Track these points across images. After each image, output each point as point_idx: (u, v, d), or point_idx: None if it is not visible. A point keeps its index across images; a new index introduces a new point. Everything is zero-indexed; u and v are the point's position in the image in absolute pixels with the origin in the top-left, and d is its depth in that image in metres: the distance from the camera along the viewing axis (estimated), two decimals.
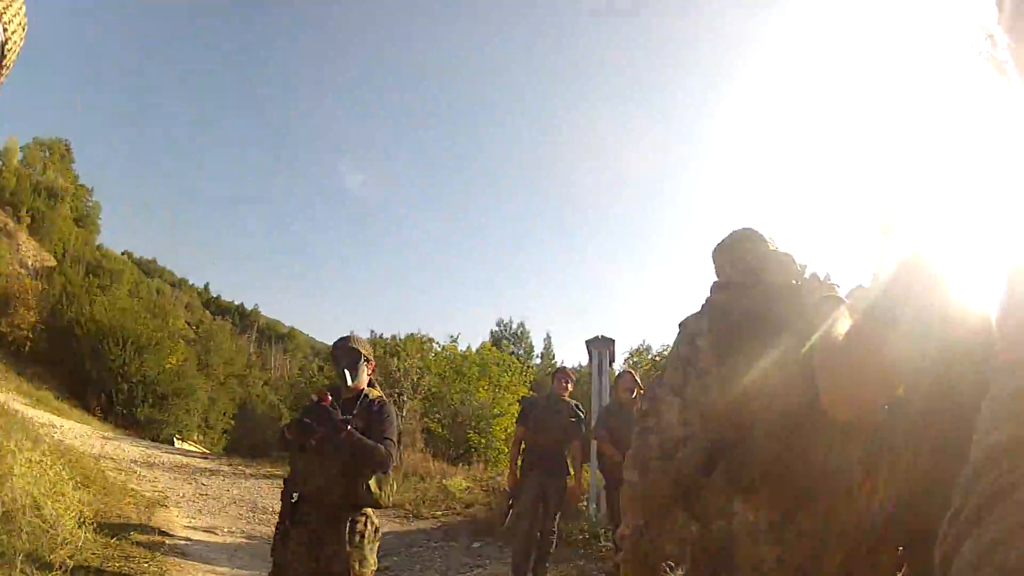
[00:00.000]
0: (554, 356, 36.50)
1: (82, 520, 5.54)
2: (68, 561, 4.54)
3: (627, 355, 27.56)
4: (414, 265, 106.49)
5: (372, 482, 3.28)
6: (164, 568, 5.48)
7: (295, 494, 3.42)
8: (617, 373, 6.80)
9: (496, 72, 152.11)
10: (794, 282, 1.83)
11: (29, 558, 4.42)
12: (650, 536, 1.75)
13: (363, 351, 3.44)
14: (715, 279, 2.00)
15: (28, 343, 18.91)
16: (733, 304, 1.77)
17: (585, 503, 7.74)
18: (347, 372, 3.32)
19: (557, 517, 5.76)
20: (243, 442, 25.32)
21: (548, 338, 37.93)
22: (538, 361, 34.91)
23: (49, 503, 5.36)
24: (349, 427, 3.10)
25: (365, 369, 3.45)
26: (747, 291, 1.79)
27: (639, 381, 6.04)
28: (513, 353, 28.92)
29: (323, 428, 3.09)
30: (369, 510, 3.42)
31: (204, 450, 21.92)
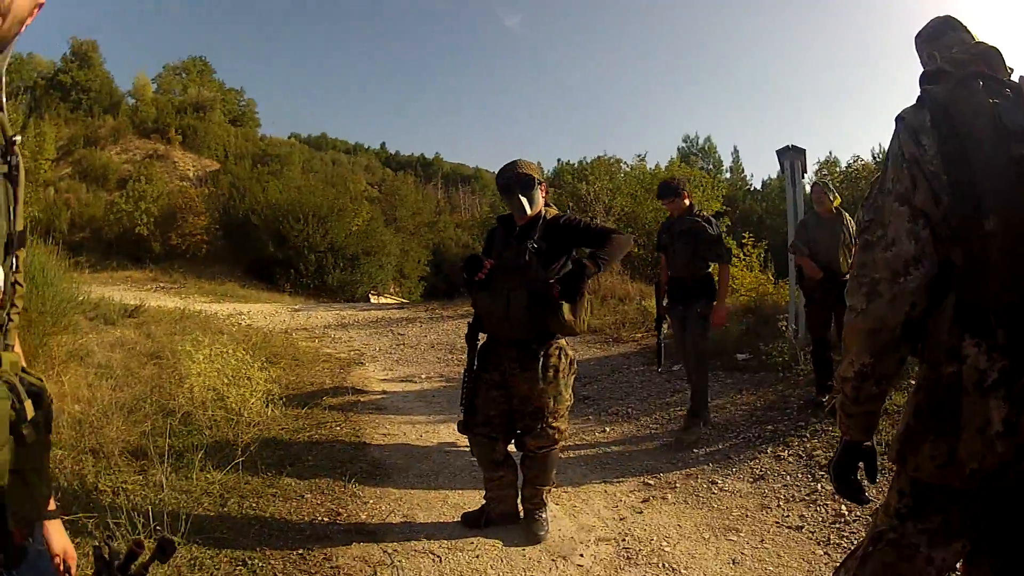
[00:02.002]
0: (743, 170, 37.97)
1: (270, 398, 5.59)
2: (251, 444, 4.47)
3: (816, 166, 26.69)
4: (590, 94, 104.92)
5: (566, 309, 3.12)
6: (358, 427, 5.49)
7: (481, 336, 3.44)
8: (810, 185, 6.59)
9: None
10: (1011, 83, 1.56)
11: (214, 449, 4.45)
12: (875, 377, 1.52)
13: (535, 174, 3.35)
14: (922, 70, 1.74)
15: (205, 246, 20.44)
16: (955, 98, 1.52)
17: (784, 323, 7.52)
18: (524, 201, 3.29)
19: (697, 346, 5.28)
20: (440, 286, 26.89)
21: (736, 152, 39.17)
22: (728, 176, 35.39)
23: (233, 391, 5.39)
24: (587, 264, 3.12)
25: (540, 192, 3.37)
26: (966, 84, 1.53)
27: (833, 190, 5.88)
28: (702, 168, 29.55)
29: (576, 282, 3.12)
30: (563, 340, 3.31)
31: (402, 300, 23.21)
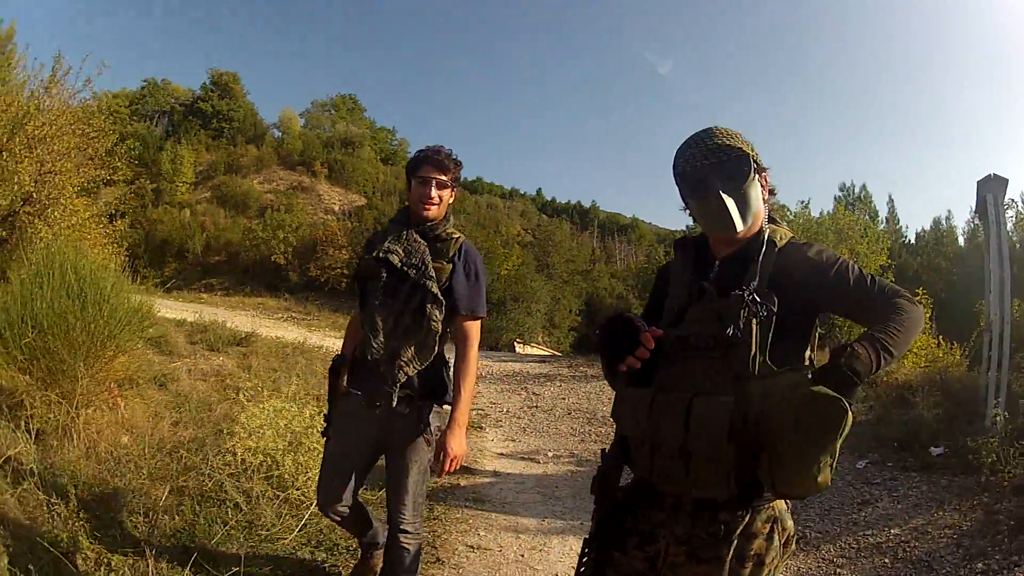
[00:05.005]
0: (899, 221, 36.22)
1: None
2: (287, 542, 3.38)
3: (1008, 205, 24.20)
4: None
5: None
6: (441, 529, 4.24)
7: (626, 472, 1.79)
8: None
9: None
10: None
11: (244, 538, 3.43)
12: None
13: (748, 151, 1.70)
14: None
15: (344, 280, 20.65)
16: None
17: (997, 410, 5.93)
18: (732, 204, 1.65)
19: None
20: (592, 338, 25.80)
21: (891, 201, 36.91)
22: (883, 226, 33.32)
23: (289, 460, 4.32)
24: (863, 351, 1.46)
25: (759, 189, 1.73)
26: None
27: None
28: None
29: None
30: (781, 503, 1.63)
31: (548, 351, 22.27)
